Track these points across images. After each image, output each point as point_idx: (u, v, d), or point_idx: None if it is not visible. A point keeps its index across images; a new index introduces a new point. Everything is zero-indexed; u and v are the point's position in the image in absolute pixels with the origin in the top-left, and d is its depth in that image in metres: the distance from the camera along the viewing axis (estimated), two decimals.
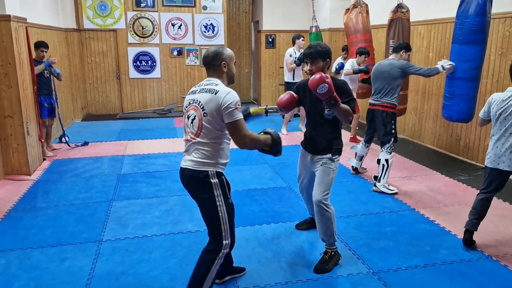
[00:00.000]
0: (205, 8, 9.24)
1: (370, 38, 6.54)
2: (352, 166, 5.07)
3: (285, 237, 3.45)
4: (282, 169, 5.27)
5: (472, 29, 4.21)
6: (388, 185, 4.50)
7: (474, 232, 3.29)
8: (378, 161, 4.54)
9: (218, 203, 2.32)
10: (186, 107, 2.41)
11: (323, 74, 2.61)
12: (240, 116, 2.25)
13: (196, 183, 2.34)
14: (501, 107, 3.08)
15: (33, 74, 5.29)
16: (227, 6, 9.62)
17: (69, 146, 6.36)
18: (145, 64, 9.15)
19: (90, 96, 9.07)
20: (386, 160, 4.45)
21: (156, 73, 9.21)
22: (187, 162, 2.36)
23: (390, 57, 4.60)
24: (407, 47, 4.52)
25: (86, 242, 3.36)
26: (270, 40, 9.93)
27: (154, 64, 9.17)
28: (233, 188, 4.51)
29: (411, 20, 5.77)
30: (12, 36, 4.70)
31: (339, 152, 3.00)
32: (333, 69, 7.28)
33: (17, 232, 3.56)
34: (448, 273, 2.92)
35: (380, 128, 4.54)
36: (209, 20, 9.32)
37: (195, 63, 9.41)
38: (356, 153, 5.00)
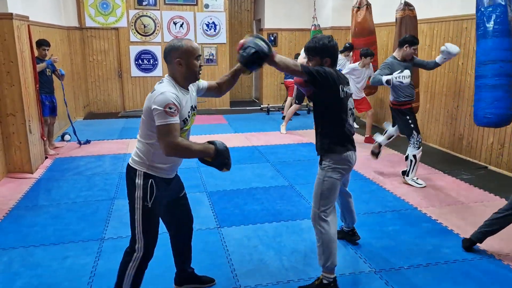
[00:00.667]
0: (207, 6, 9.23)
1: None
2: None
3: (287, 236, 3.45)
4: (283, 167, 5.27)
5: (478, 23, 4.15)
6: (417, 179, 4.59)
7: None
8: (406, 157, 4.61)
9: (136, 205, 2.19)
10: None
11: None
12: (169, 121, 2.01)
13: (126, 178, 2.26)
14: None
15: (35, 72, 5.30)
16: (229, 4, 9.61)
17: (80, 143, 6.39)
18: (147, 63, 9.15)
19: (92, 94, 9.07)
20: (414, 156, 4.51)
21: (158, 72, 9.20)
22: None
23: (394, 53, 4.54)
24: (411, 41, 4.34)
25: (88, 240, 3.37)
26: (272, 38, 9.91)
27: (156, 62, 9.17)
28: (234, 186, 4.56)
29: None
30: (14, 34, 4.70)
31: (327, 151, 2.61)
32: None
33: (19, 230, 3.56)
34: (450, 273, 2.91)
35: (399, 125, 4.68)
36: (211, 19, 9.31)
37: None
38: (386, 130, 4.96)
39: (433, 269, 2.96)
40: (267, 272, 2.92)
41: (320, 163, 2.66)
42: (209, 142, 2.22)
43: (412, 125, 4.49)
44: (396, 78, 4.13)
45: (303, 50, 7.00)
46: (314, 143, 2.87)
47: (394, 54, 4.49)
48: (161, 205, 2.31)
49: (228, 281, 2.82)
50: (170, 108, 2.02)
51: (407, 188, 4.52)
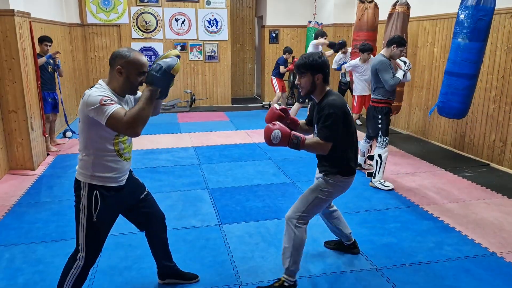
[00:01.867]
0: (208, 3, 9.21)
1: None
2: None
3: None
4: (285, 165, 5.26)
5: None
6: (384, 181, 4.47)
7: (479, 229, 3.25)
8: (372, 157, 4.54)
9: (80, 215, 2.17)
10: None
11: (270, 124, 2.37)
12: (109, 111, 1.95)
13: (74, 189, 2.21)
14: None
15: (37, 69, 5.30)
16: (230, 1, 9.58)
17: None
18: (149, 60, 9.13)
19: None
20: (379, 156, 4.41)
21: None
22: None
23: (382, 51, 4.48)
24: (399, 42, 4.30)
25: None
26: (274, 35, 9.89)
27: None
28: (236, 183, 4.56)
29: (415, 15, 5.76)
30: (16, 31, 4.70)
31: (338, 169, 2.56)
32: (333, 66, 7.37)
33: (21, 226, 3.57)
34: (452, 270, 2.91)
35: (370, 123, 4.57)
36: (212, 15, 9.29)
37: (199, 58, 9.39)
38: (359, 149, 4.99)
39: (435, 267, 2.95)
40: (268, 269, 2.92)
41: (327, 175, 2.58)
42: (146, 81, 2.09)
43: (380, 127, 4.40)
44: (407, 69, 4.33)
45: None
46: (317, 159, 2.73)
47: (383, 52, 4.43)
48: (109, 216, 2.27)
49: (230, 278, 2.82)
50: (104, 101, 1.97)
51: (408, 186, 4.51)
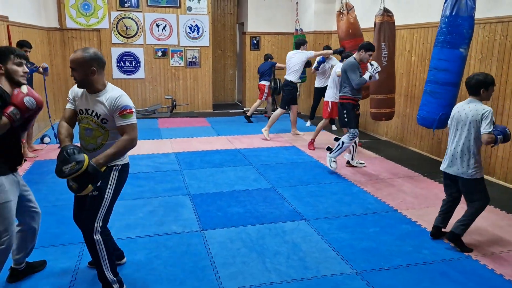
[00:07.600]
0: (190, 9, 9.22)
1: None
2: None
3: (270, 238, 3.47)
4: (266, 170, 5.29)
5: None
6: (334, 161, 5.09)
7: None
8: (337, 139, 5.25)
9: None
10: None
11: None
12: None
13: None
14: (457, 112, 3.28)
15: None
16: (212, 7, 9.61)
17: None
18: (129, 65, 9.07)
19: None
20: (343, 142, 5.07)
21: (140, 74, 9.13)
22: None
23: (354, 55, 5.07)
24: (367, 48, 4.90)
25: (69, 244, 3.32)
26: (255, 42, 9.96)
27: (138, 64, 9.10)
28: (217, 189, 4.56)
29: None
30: None
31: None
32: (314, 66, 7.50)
33: None
34: (429, 273, 2.98)
35: (339, 117, 5.25)
36: (194, 21, 9.30)
37: (180, 64, 9.37)
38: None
39: (413, 270, 3.02)
40: (250, 274, 2.93)
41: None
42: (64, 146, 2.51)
43: (346, 119, 5.08)
44: (373, 72, 4.88)
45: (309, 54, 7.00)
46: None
47: (355, 56, 5.05)
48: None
49: (211, 283, 2.82)
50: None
51: (387, 191, 4.60)
